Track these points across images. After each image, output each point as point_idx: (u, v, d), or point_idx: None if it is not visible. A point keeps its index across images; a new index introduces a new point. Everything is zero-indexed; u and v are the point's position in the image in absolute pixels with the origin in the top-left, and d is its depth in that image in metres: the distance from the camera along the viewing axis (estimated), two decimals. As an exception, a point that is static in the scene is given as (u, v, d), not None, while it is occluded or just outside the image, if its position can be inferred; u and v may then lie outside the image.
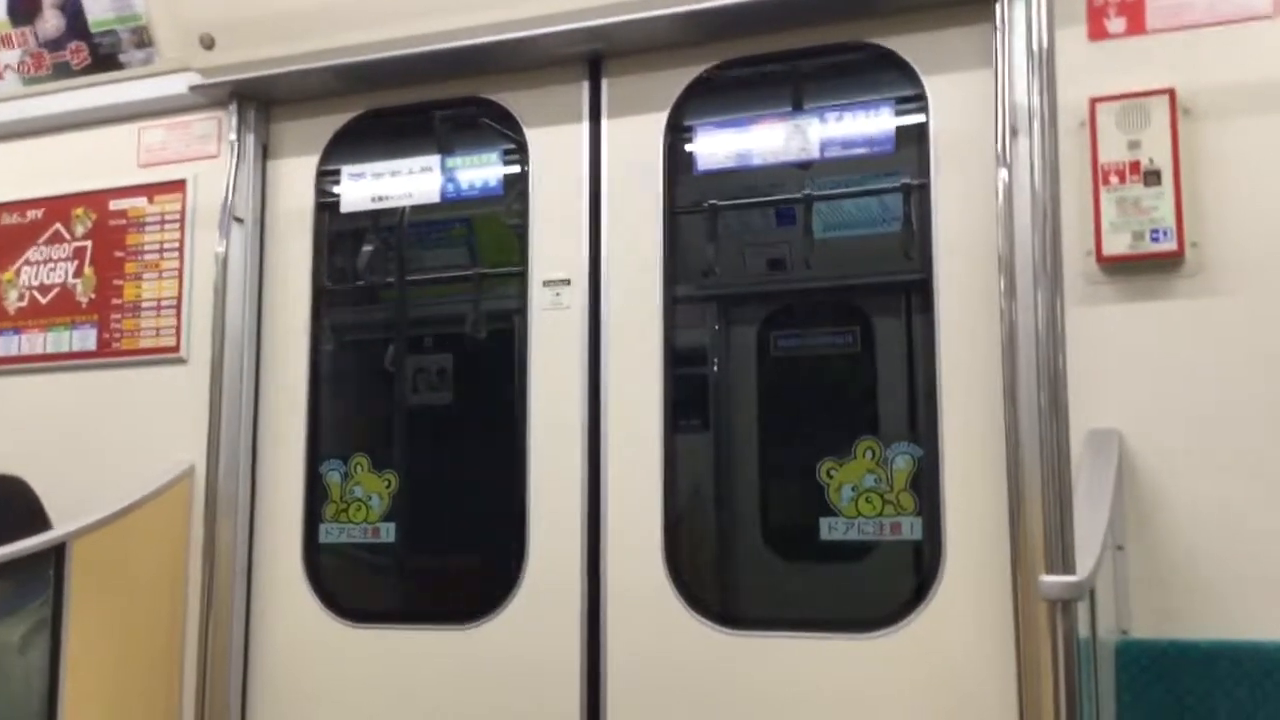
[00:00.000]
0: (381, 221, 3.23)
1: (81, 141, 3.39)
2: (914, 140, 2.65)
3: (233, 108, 3.16)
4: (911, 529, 2.56)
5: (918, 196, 2.65)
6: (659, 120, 2.85)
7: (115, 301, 3.27)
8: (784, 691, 2.56)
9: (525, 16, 2.81)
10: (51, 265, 3.36)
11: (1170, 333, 2.33)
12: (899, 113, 2.69)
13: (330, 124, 3.18)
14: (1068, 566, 2.06)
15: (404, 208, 3.18)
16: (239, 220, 3.13)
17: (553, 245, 2.91)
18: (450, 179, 3.10)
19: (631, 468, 2.75)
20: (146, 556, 2.97)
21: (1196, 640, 2.21)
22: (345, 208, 3.17)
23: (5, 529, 2.77)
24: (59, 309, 3.33)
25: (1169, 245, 2.33)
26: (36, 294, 3.37)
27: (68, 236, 3.36)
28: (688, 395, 2.87)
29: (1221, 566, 2.25)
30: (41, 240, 3.39)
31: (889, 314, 2.90)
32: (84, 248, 3.34)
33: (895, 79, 2.68)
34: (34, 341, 3.34)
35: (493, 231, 3.18)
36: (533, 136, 2.97)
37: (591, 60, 2.92)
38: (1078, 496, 2.16)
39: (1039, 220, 2.30)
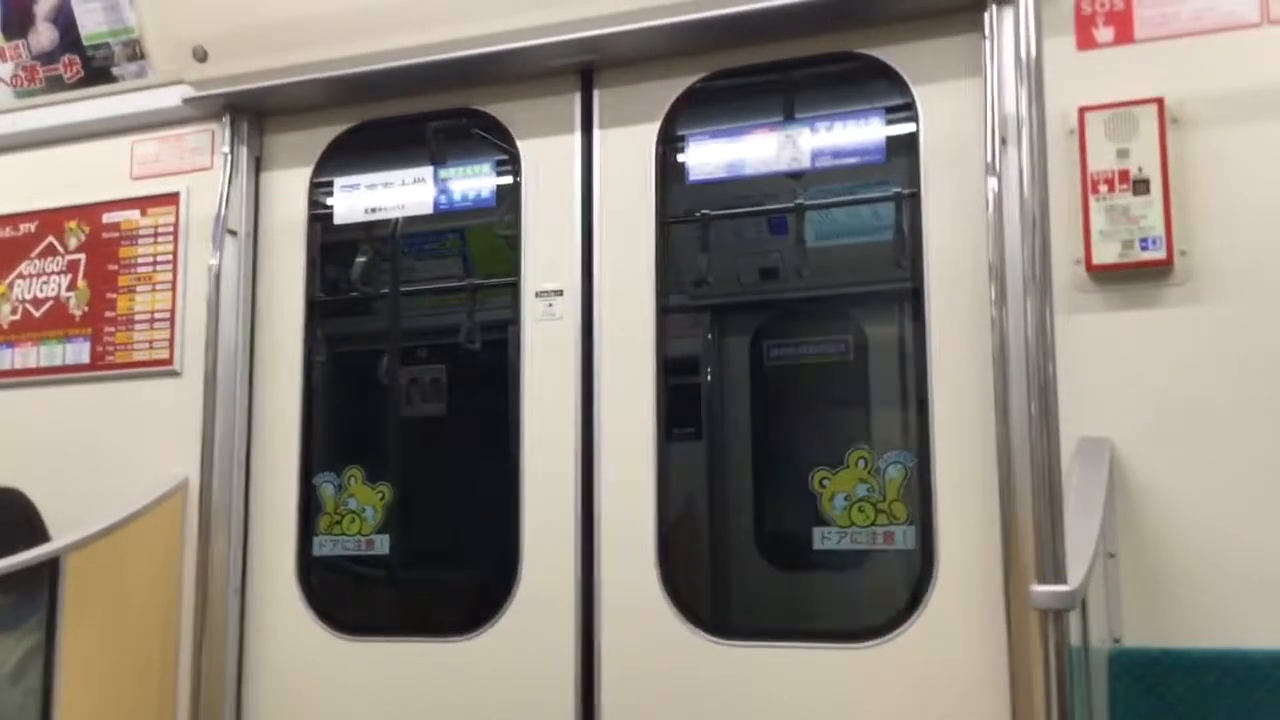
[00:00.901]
0: (375, 233, 3.23)
1: (75, 154, 3.39)
2: (904, 149, 2.66)
3: (225, 120, 3.16)
4: (904, 538, 2.56)
5: (908, 205, 2.66)
6: (651, 131, 2.85)
7: (109, 315, 3.27)
8: (778, 702, 2.56)
9: (517, 28, 2.82)
10: (45, 279, 3.36)
11: (1160, 341, 2.34)
12: (889, 122, 2.70)
13: (323, 136, 3.18)
14: (1059, 575, 2.05)
15: (397, 219, 3.18)
16: (232, 233, 3.13)
17: (545, 256, 2.91)
18: (443, 190, 3.11)
19: (625, 478, 2.74)
20: (141, 570, 2.97)
21: (1189, 648, 2.21)
22: (338, 219, 3.18)
23: (5, 542, 2.77)
24: (52, 322, 3.33)
25: (1158, 254, 2.33)
26: (30, 307, 3.37)
27: (61, 250, 3.36)
28: (681, 405, 2.87)
29: (1214, 574, 2.25)
30: (35, 253, 3.39)
31: (881, 323, 2.90)
32: (77, 261, 3.34)
33: (885, 89, 2.69)
34: (27, 355, 3.33)
35: (485, 242, 3.18)
36: (525, 147, 2.97)
37: (583, 71, 2.93)
38: (1069, 505, 2.16)
39: (1028, 229, 2.30)
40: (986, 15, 2.48)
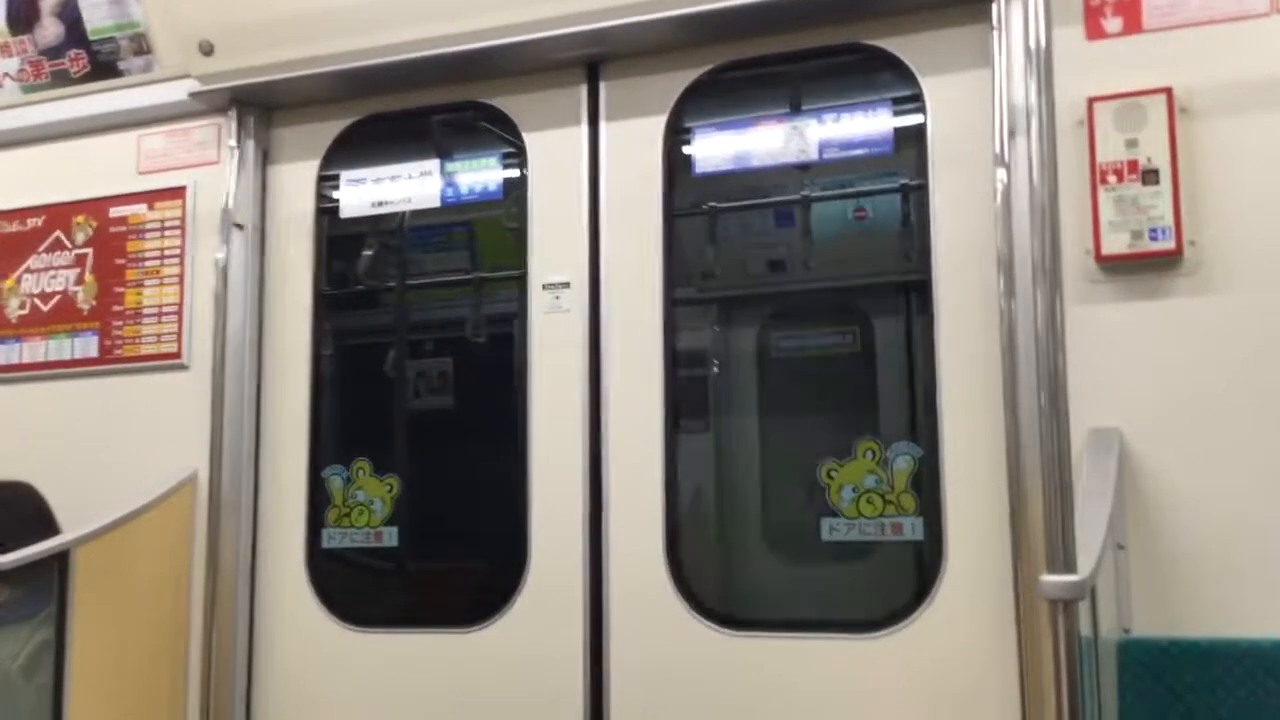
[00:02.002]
0: (381, 226, 3.24)
1: (81, 149, 3.40)
2: (912, 141, 2.66)
3: (232, 114, 3.17)
4: (912, 529, 2.56)
5: (916, 197, 2.66)
6: (658, 123, 2.85)
7: (116, 308, 3.28)
8: (787, 692, 2.57)
9: (524, 21, 2.82)
10: (52, 273, 3.37)
11: (1170, 331, 2.33)
12: (897, 113, 2.70)
13: (330, 129, 3.18)
14: (1069, 566, 2.06)
15: (404, 212, 3.19)
16: (239, 226, 3.13)
17: (552, 248, 2.91)
18: (450, 183, 3.11)
19: (632, 470, 2.75)
20: (150, 563, 2.98)
21: (1198, 638, 2.21)
22: (345, 213, 3.18)
23: (17, 535, 2.78)
24: (60, 317, 3.33)
25: (1167, 244, 2.33)
26: (38, 302, 3.37)
27: (68, 244, 3.37)
28: (688, 397, 2.87)
29: (1223, 564, 2.25)
30: (42, 248, 3.39)
31: (888, 314, 2.90)
32: (85, 255, 3.34)
33: (893, 80, 2.68)
34: (35, 349, 3.34)
35: (492, 235, 3.18)
36: (532, 140, 2.97)
37: (590, 64, 2.93)
38: (1078, 495, 2.16)
39: (1037, 220, 2.30)
40: (995, 6, 2.47)
